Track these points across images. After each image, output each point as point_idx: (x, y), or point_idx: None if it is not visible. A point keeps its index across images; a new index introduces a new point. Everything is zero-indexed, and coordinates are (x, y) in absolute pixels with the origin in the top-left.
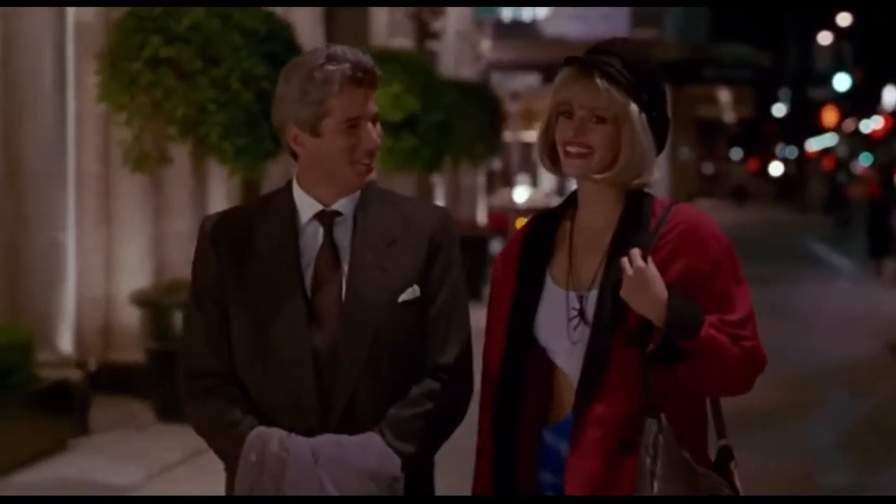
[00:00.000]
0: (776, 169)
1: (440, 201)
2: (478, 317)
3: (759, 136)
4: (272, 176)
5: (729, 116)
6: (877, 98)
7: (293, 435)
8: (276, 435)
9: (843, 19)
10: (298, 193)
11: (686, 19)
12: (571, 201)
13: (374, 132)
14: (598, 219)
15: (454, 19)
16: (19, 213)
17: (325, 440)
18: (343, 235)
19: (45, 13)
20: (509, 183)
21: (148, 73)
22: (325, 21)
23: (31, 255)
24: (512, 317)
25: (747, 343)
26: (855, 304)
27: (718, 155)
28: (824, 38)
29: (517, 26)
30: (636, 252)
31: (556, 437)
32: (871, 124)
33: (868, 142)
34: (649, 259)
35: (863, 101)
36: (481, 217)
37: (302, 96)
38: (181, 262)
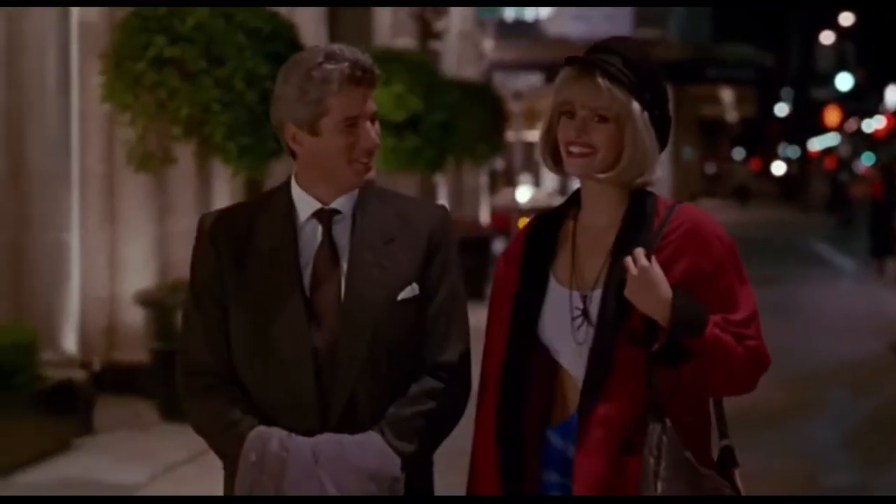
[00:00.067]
0: (778, 168)
1: (443, 201)
2: (480, 316)
3: (762, 135)
4: (276, 175)
5: (731, 116)
6: (879, 98)
7: (293, 434)
8: (276, 434)
9: (846, 19)
10: (297, 192)
11: (689, 19)
12: (574, 200)
13: (372, 131)
14: (601, 218)
15: (457, 19)
16: (23, 213)
17: (326, 440)
18: (342, 234)
19: (50, 13)
20: (512, 182)
21: (152, 73)
22: (328, 21)
23: (36, 255)
24: (515, 316)
25: (751, 342)
26: (857, 304)
27: (721, 155)
28: (827, 37)
29: (520, 26)
30: (640, 251)
31: (560, 437)
32: (874, 124)
33: (870, 141)
34: (653, 258)
35: (865, 100)
36: (484, 217)
37: (300, 95)
38: (185, 262)
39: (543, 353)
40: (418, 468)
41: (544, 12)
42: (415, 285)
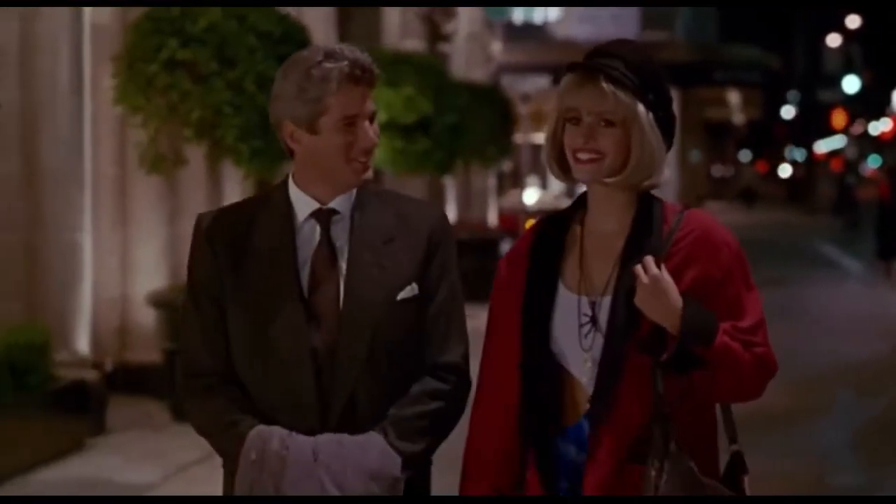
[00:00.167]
0: (785, 171)
1: (451, 203)
2: (483, 317)
3: (768, 138)
4: None
5: (738, 118)
6: (886, 100)
7: (294, 433)
8: (276, 433)
9: (852, 21)
10: (294, 191)
11: (695, 21)
12: (580, 204)
13: (371, 130)
14: (608, 223)
15: (465, 21)
16: (36, 215)
17: (326, 439)
18: (340, 234)
19: (62, 14)
20: (519, 184)
21: (164, 75)
22: (337, 23)
23: (49, 256)
24: (526, 322)
25: (759, 349)
26: (864, 306)
27: (727, 157)
28: (833, 40)
29: (528, 28)
30: (650, 259)
31: (568, 444)
32: (880, 126)
33: (877, 144)
34: (663, 266)
35: (871, 103)
36: (492, 218)
37: (299, 93)
38: None
39: (552, 358)
40: (417, 468)
41: (552, 15)
42: (414, 285)
